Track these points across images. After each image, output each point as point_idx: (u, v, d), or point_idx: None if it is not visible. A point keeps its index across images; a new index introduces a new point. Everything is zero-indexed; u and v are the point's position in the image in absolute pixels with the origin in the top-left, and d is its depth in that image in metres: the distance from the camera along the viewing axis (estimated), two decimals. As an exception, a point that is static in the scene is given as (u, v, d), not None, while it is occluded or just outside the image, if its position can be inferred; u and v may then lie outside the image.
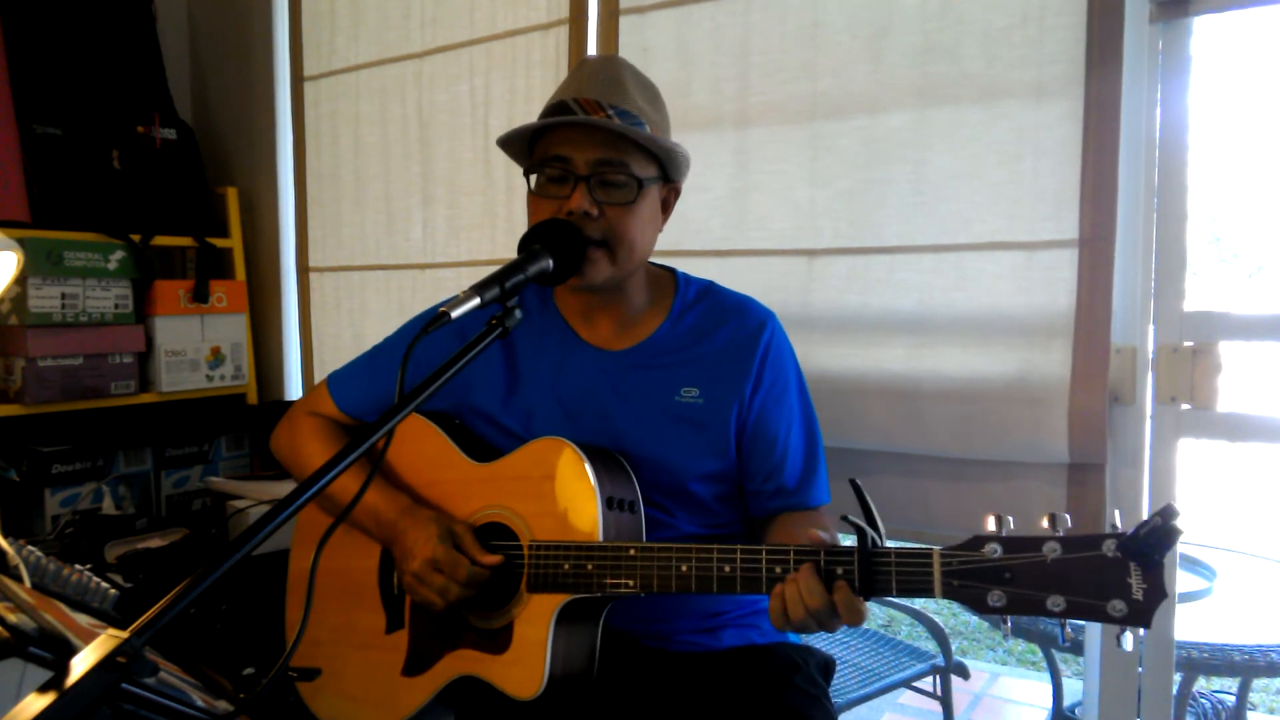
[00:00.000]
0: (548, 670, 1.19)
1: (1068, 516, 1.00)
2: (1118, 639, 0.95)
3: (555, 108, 1.30)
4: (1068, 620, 0.97)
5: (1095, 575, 0.95)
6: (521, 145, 1.35)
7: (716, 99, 1.90)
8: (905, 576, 1.03)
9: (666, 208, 1.39)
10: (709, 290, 1.43)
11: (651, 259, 1.45)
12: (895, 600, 2.57)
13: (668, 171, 1.34)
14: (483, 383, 1.42)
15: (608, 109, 1.26)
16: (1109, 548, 0.95)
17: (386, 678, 1.35)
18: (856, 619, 1.06)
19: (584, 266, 1.27)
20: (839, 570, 1.06)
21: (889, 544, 1.07)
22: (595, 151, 1.26)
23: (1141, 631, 1.00)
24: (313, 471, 0.92)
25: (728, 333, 1.37)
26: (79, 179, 2.37)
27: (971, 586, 1.00)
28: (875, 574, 1.04)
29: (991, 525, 1.01)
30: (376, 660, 1.36)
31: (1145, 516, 1.54)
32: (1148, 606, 0.93)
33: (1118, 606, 0.94)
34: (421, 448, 1.41)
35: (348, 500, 1.07)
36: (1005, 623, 1.02)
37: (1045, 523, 0.99)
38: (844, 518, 1.09)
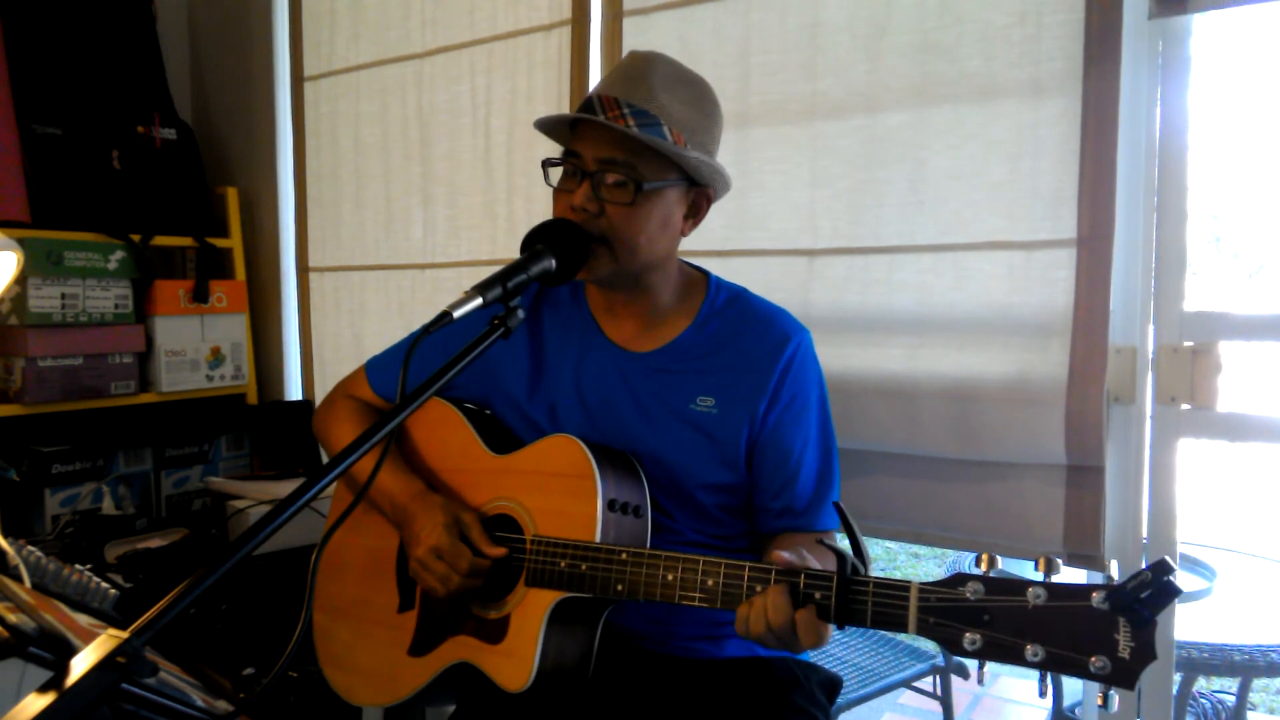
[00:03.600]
0: (536, 665, 1.20)
1: (1060, 561, 0.94)
2: (1104, 698, 0.89)
3: (583, 104, 1.30)
4: (1048, 672, 0.92)
5: (1080, 627, 0.89)
6: (567, 135, 1.35)
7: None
8: (880, 608, 1.00)
9: (697, 211, 1.35)
10: (739, 298, 1.41)
11: (684, 259, 1.45)
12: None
13: (692, 177, 1.31)
14: (510, 373, 1.44)
15: (624, 108, 1.25)
16: (1098, 599, 0.89)
17: (393, 655, 1.37)
18: (816, 641, 1.03)
19: (588, 260, 1.27)
20: (816, 595, 1.03)
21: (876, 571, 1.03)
22: (604, 150, 1.26)
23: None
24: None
25: (749, 344, 1.35)
26: (79, 179, 2.37)
27: (947, 626, 0.95)
28: (851, 603, 1.01)
29: (983, 564, 0.97)
30: (386, 638, 1.39)
31: (1144, 523, 1.56)
32: (1133, 667, 0.87)
33: (1100, 664, 0.88)
34: (445, 434, 1.44)
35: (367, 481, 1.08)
36: (981, 666, 0.96)
37: (1040, 566, 0.94)
38: (820, 542, 1.07)
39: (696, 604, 1.12)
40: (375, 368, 1.56)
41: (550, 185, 1.34)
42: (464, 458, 1.41)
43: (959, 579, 0.96)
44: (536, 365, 1.43)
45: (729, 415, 1.33)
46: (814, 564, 1.08)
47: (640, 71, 1.30)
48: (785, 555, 1.08)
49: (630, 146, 1.26)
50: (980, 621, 0.94)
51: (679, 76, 1.32)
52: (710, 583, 1.11)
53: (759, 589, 1.08)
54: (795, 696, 1.30)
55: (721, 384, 1.34)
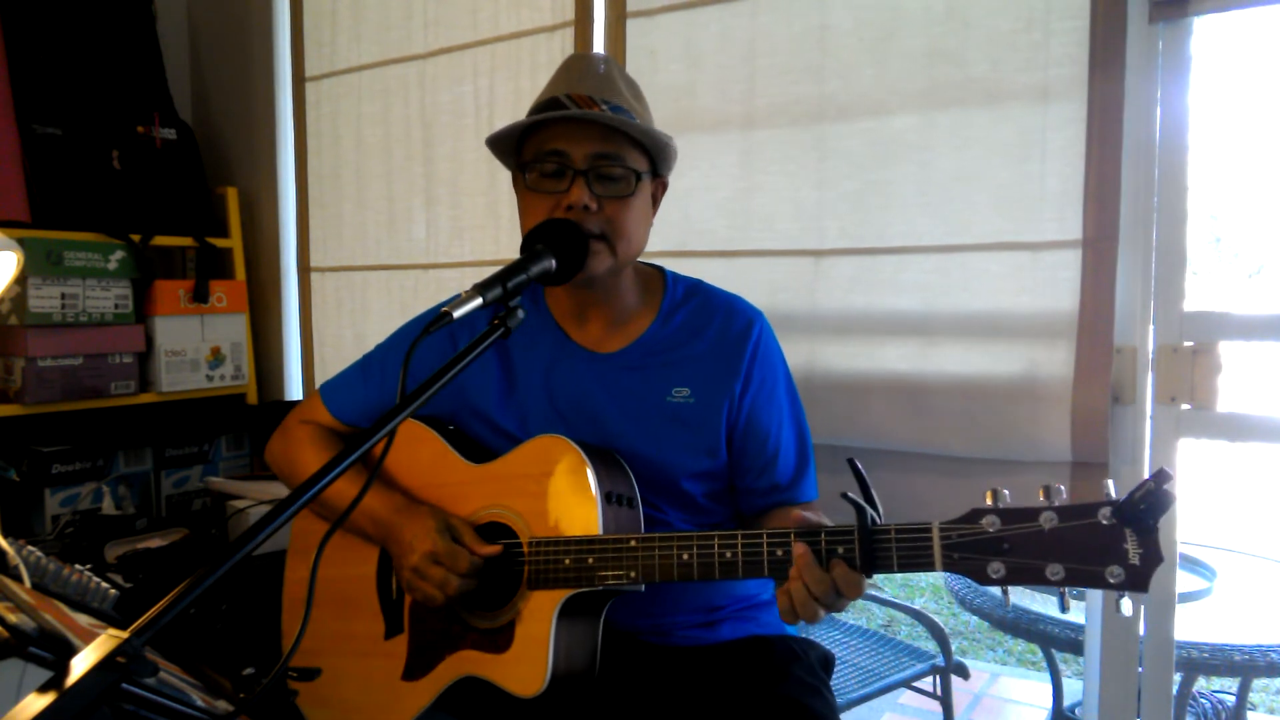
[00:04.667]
0: (550, 667, 1.19)
1: (1062, 488, 1.00)
2: (1117, 604, 0.96)
3: (548, 104, 1.29)
4: (1067, 589, 0.99)
5: (1092, 542, 0.96)
6: (508, 145, 1.35)
7: (723, 101, 1.90)
8: (905, 551, 1.04)
9: (655, 202, 1.39)
10: (697, 289, 1.43)
11: (656, 259, 1.46)
12: (894, 600, 2.57)
13: (656, 166, 1.35)
14: (478, 385, 1.42)
15: (601, 104, 1.26)
16: (1104, 515, 0.96)
17: (386, 684, 1.34)
18: (856, 592, 1.07)
19: (586, 259, 1.26)
20: (839, 549, 1.07)
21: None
22: (592, 145, 1.26)
23: (1141, 596, 1.02)
24: (306, 478, 0.90)
25: (717, 332, 1.37)
26: (79, 179, 2.37)
27: (971, 559, 1.01)
28: (876, 550, 1.05)
29: (988, 500, 1.02)
30: (375, 667, 1.35)
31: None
32: (1144, 571, 0.95)
33: (1115, 572, 0.95)
34: (417, 451, 1.41)
35: (344, 506, 1.04)
36: (1005, 594, 1.03)
37: (1041, 495, 1.00)
38: (843, 495, 1.09)
39: (716, 578, 1.14)
40: (331, 391, 1.52)
41: (526, 187, 1.32)
42: (440, 471, 1.38)
43: (975, 514, 1.01)
44: (507, 376, 1.42)
45: (706, 403, 1.34)
46: (828, 523, 1.10)
47: (603, 71, 1.32)
48: (805, 515, 1.11)
49: (615, 140, 1.27)
50: (1001, 550, 1.00)
51: (625, 75, 1.37)
52: (729, 554, 1.13)
53: (780, 553, 1.10)
54: (795, 669, 1.31)
55: (694, 373, 1.35)
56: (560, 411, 1.37)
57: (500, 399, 1.41)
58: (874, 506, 1.07)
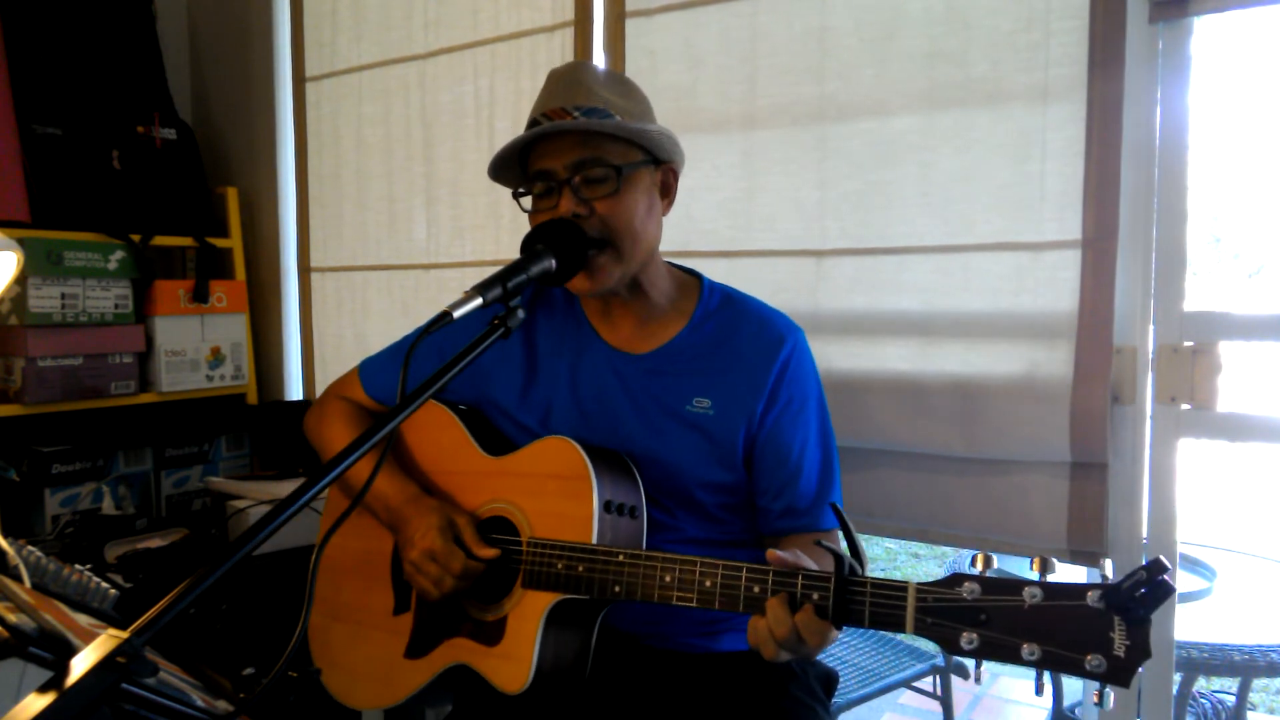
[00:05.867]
0: (534, 666, 1.20)
1: (1055, 560, 0.94)
2: (1099, 695, 0.90)
3: (527, 128, 1.32)
4: (1044, 671, 0.92)
5: (1075, 626, 0.89)
6: (518, 173, 1.37)
7: (723, 101, 1.90)
8: (878, 608, 0.99)
9: (668, 190, 1.38)
10: (732, 299, 1.42)
11: (672, 261, 1.45)
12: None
13: (655, 154, 1.34)
14: (501, 377, 1.44)
15: (571, 111, 1.28)
16: (1093, 598, 0.89)
17: (390, 658, 1.37)
18: (821, 642, 1.03)
19: (593, 274, 1.28)
20: (815, 595, 1.03)
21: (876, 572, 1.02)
22: (571, 154, 1.27)
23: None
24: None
25: (745, 346, 1.36)
26: (79, 179, 2.37)
27: (945, 625, 0.95)
28: (849, 603, 1.01)
29: (979, 564, 0.97)
30: (383, 640, 1.39)
31: (1144, 523, 1.57)
32: (1128, 664, 0.87)
33: (1096, 662, 0.88)
34: (439, 436, 1.44)
35: (360, 487, 1.08)
36: (978, 665, 0.96)
37: (1035, 566, 0.94)
38: (818, 543, 1.07)
39: (694, 605, 1.11)
40: (369, 370, 1.56)
41: (525, 211, 1.34)
42: (458, 460, 1.41)
43: (956, 579, 0.96)
44: (529, 369, 1.43)
45: (725, 417, 1.33)
46: (810, 564, 1.07)
47: (572, 78, 1.33)
48: (781, 554, 1.06)
49: (594, 142, 1.27)
50: (977, 621, 0.93)
51: (609, 75, 1.36)
52: (708, 584, 1.11)
53: (756, 589, 1.07)
54: (793, 688, 1.31)
55: (717, 385, 1.34)
56: (583, 408, 1.38)
57: (521, 393, 1.42)
58: (857, 555, 1.02)
